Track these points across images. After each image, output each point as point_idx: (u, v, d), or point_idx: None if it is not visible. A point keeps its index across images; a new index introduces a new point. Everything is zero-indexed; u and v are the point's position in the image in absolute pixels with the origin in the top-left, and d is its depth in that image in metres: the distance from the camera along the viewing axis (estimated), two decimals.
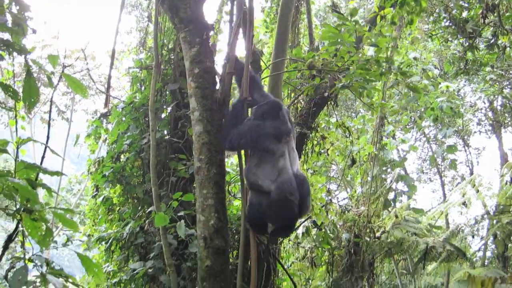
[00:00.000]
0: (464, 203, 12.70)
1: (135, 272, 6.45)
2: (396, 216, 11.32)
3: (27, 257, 3.43)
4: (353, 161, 10.53)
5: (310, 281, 12.23)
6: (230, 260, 6.16)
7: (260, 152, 4.88)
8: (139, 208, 7.28)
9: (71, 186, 25.59)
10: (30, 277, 3.34)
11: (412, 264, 14.10)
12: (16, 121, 4.13)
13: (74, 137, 10.20)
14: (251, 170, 5.01)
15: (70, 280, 3.42)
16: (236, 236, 6.97)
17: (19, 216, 3.23)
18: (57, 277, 3.35)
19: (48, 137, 3.72)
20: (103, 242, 7.47)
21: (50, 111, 4.22)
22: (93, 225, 8.48)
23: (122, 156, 7.71)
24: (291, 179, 4.62)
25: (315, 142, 8.65)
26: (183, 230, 5.53)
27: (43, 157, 3.64)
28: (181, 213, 6.09)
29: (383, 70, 6.03)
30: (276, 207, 4.61)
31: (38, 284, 3.31)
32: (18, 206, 3.24)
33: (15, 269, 3.28)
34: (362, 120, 12.57)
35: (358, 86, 6.12)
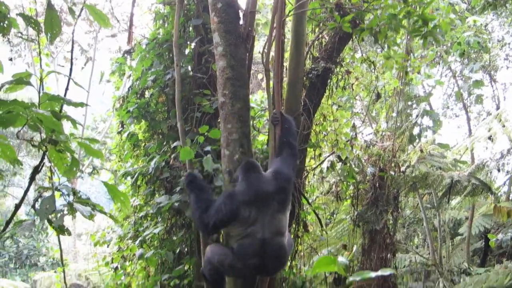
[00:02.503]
0: (489, 138, 12.58)
1: (161, 206, 6.54)
2: (421, 151, 11.28)
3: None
4: (378, 96, 10.44)
5: (334, 215, 12.33)
6: None
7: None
8: (164, 143, 7.32)
9: (96, 125, 25.79)
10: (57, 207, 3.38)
11: (436, 199, 14.10)
12: (40, 56, 4.13)
13: (97, 76, 10.25)
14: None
15: (97, 208, 3.46)
16: None
17: (44, 147, 3.25)
18: (84, 206, 3.39)
19: (71, 69, 3.73)
20: (129, 177, 7.56)
21: (72, 43, 4.20)
22: (119, 161, 8.56)
23: (146, 92, 7.72)
24: (252, 243, 4.44)
25: (339, 77, 8.56)
26: (210, 164, 5.54)
27: (66, 89, 3.64)
28: (208, 148, 6.11)
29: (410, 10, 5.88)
30: (235, 264, 4.52)
31: (65, 212, 3.36)
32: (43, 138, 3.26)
33: (42, 198, 3.32)
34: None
35: (384, 31, 5.99)
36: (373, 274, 1.90)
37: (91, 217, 3.38)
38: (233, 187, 4.74)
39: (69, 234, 3.58)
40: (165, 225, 7.08)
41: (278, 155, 5.11)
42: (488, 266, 14.05)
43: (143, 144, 7.83)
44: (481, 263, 15.29)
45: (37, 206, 3.30)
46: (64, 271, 7.24)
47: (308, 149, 7.66)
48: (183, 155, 5.13)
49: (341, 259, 1.92)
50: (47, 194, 3.41)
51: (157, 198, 6.92)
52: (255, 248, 4.41)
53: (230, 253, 4.58)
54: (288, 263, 7.28)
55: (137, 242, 7.10)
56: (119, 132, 8.23)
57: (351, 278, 1.92)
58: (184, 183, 5.80)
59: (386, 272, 1.96)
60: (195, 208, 4.75)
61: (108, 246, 8.33)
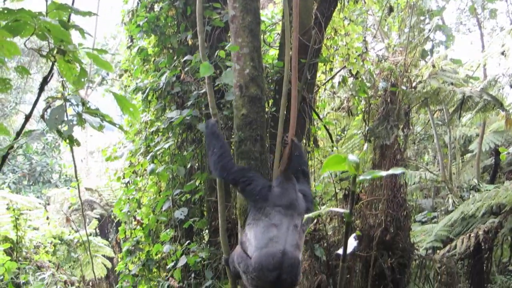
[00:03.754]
0: (502, 53, 12.41)
1: (172, 120, 6.55)
2: (433, 66, 11.13)
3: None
4: (391, 10, 10.27)
5: (345, 131, 12.34)
6: (266, 109, 6.20)
7: (258, 211, 4.63)
8: (174, 58, 7.27)
9: (106, 41, 25.62)
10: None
11: (447, 115, 14.07)
12: None
13: None
14: (247, 221, 4.80)
15: (106, 119, 3.43)
16: (272, 85, 6.97)
17: (53, 58, 3.22)
18: (93, 117, 3.38)
19: None
20: (140, 93, 7.55)
21: None
22: (128, 76, 8.53)
23: (155, 6, 7.61)
24: (274, 255, 4.34)
25: None
26: (231, 77, 5.48)
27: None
28: (228, 63, 6.04)
29: None
30: (251, 274, 4.43)
31: (75, 122, 3.34)
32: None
33: (52, 108, 3.30)
34: None
35: None
36: (383, 173, 1.90)
37: (100, 128, 3.36)
38: (269, 187, 4.77)
39: (78, 144, 3.58)
40: (176, 140, 7.11)
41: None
42: (498, 183, 14.13)
43: (152, 59, 7.77)
44: (490, 180, 15.37)
45: (46, 116, 3.29)
46: (78, 186, 7.29)
47: (319, 63, 7.59)
48: (203, 71, 5.04)
49: (352, 157, 1.92)
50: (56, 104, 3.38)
51: (168, 113, 6.92)
52: (276, 260, 4.31)
53: (250, 262, 4.52)
54: None
55: (148, 157, 7.14)
56: (128, 47, 8.18)
57: (361, 177, 1.92)
58: (203, 128, 5.77)
59: (397, 170, 1.96)
60: (215, 154, 4.90)
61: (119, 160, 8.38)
